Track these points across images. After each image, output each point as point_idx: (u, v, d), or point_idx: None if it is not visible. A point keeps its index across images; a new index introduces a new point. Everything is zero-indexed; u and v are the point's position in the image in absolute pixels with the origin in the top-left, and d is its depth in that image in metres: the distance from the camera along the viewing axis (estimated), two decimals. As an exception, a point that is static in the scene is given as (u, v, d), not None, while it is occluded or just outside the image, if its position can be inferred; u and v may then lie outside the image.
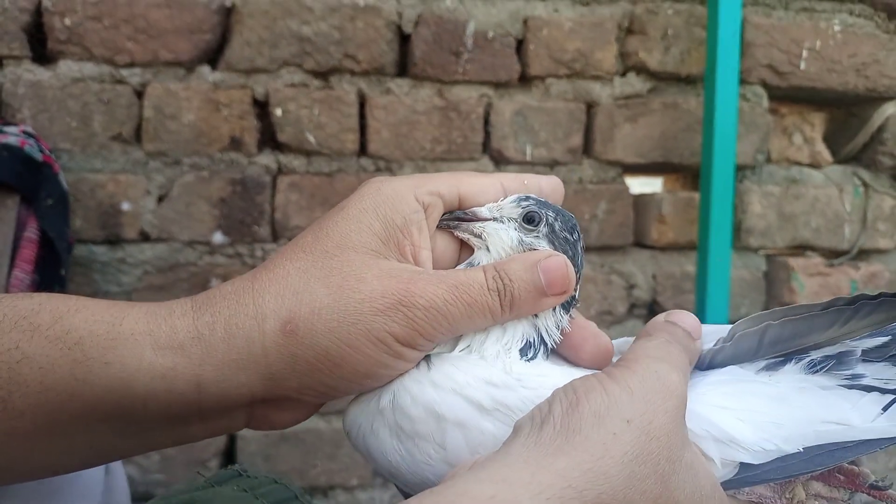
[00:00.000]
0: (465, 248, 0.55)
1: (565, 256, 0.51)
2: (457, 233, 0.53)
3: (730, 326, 0.53)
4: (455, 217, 0.53)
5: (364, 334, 0.46)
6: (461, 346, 0.51)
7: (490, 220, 0.53)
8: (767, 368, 0.51)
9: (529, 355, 0.51)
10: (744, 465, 0.46)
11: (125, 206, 1.35)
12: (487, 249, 0.53)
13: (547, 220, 0.52)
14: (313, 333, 0.46)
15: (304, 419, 0.52)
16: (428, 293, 0.47)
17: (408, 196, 0.50)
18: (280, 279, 0.48)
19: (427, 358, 0.50)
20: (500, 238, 0.52)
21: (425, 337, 0.47)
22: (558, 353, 0.54)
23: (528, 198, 0.53)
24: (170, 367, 0.45)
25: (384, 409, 0.48)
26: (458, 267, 0.54)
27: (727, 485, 0.46)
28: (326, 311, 0.46)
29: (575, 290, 0.52)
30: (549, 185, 0.56)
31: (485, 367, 0.49)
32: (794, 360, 0.51)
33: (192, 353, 0.46)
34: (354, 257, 0.48)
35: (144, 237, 1.37)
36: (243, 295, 0.47)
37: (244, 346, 0.46)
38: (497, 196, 0.54)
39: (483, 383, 0.48)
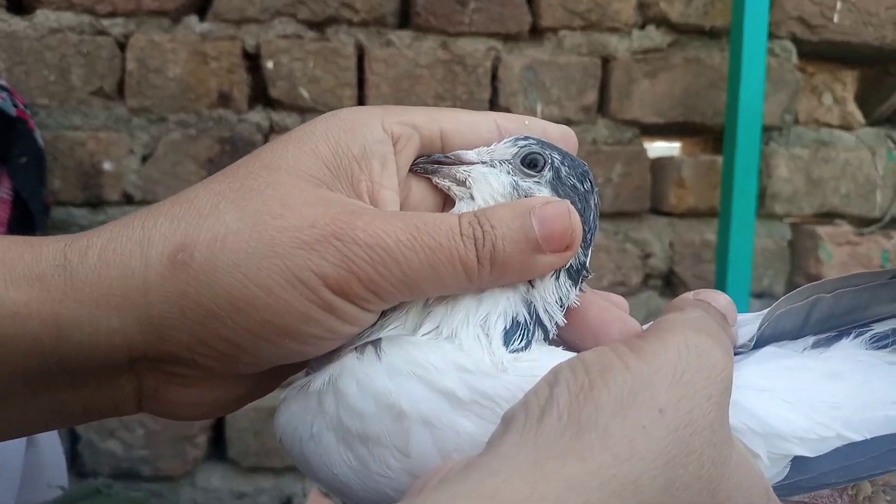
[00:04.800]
0: (449, 203, 0.44)
1: (569, 202, 0.39)
2: (435, 179, 0.43)
3: (755, 314, 0.43)
4: (434, 160, 0.42)
5: (280, 271, 0.34)
6: (427, 327, 0.39)
7: (478, 163, 0.42)
8: (817, 346, 0.41)
9: (518, 343, 0.39)
10: (798, 460, 0.37)
11: (107, 166, 1.26)
12: (472, 198, 0.41)
13: (552, 162, 0.41)
14: (212, 266, 0.35)
15: (214, 405, 0.40)
16: (374, 227, 0.35)
17: (372, 122, 0.40)
18: (183, 201, 0.37)
19: (377, 343, 0.38)
20: (488, 183, 0.41)
21: (367, 286, 0.35)
22: (570, 343, 0.42)
23: (526, 137, 0.42)
24: (22, 303, 0.35)
25: (324, 398, 0.37)
26: None
27: (780, 490, 0.36)
28: (234, 239, 0.35)
29: (585, 254, 0.41)
30: (557, 133, 0.44)
31: (457, 351, 0.37)
32: (852, 335, 0.41)
33: (54, 285, 0.35)
34: (285, 179, 0.37)
35: (127, 199, 1.28)
36: (134, 218, 0.37)
37: (119, 278, 0.35)
38: (490, 136, 0.43)
39: (455, 368, 0.36)
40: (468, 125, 0.42)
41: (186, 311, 0.35)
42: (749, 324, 0.42)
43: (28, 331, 0.35)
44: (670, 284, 1.43)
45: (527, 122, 0.44)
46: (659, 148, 1.52)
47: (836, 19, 1.40)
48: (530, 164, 0.41)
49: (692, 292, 0.41)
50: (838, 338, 0.41)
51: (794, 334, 0.42)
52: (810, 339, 0.41)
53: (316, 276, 0.35)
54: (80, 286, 0.35)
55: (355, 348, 0.38)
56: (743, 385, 0.37)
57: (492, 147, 0.42)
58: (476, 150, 0.42)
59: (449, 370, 0.36)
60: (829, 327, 0.41)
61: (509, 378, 0.36)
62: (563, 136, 0.44)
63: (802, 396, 0.38)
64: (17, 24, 1.25)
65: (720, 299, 0.40)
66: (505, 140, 0.42)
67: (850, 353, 0.41)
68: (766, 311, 0.42)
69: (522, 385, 0.35)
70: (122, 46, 1.27)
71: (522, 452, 0.29)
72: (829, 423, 0.37)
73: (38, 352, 0.35)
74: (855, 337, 0.41)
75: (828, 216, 1.46)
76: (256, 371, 0.39)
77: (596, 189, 0.43)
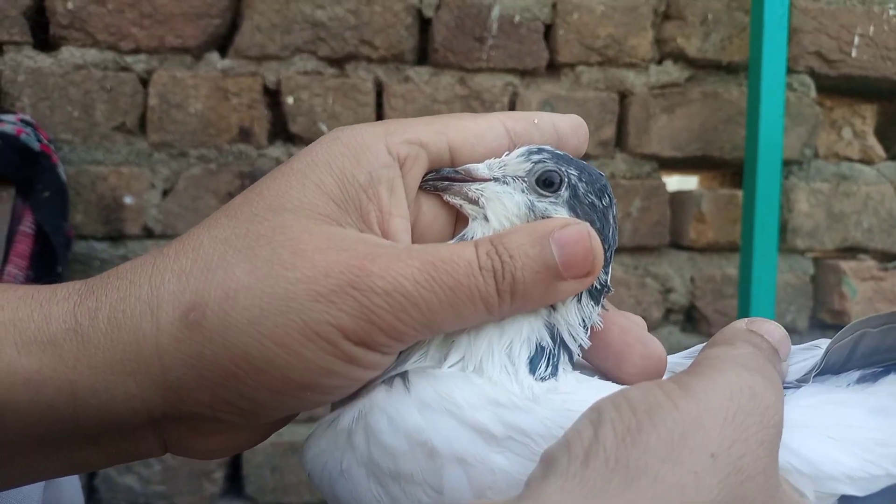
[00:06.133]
0: (461, 220, 0.42)
1: (588, 224, 0.38)
2: (446, 196, 0.41)
3: (803, 347, 0.41)
4: (443, 176, 0.40)
5: (298, 328, 0.33)
6: (452, 359, 0.37)
7: (490, 180, 0.40)
8: (862, 380, 0.39)
9: (544, 370, 0.38)
10: (845, 499, 0.35)
11: (128, 200, 1.27)
12: (486, 219, 0.40)
13: (568, 180, 0.39)
14: (226, 326, 0.33)
15: (240, 447, 0.39)
16: (392, 272, 0.34)
17: (376, 145, 0.38)
18: (189, 252, 0.35)
19: (403, 375, 0.37)
20: (502, 204, 0.39)
21: (388, 334, 0.34)
22: (590, 363, 0.41)
23: (540, 150, 0.40)
24: (35, 370, 0.33)
25: (354, 434, 0.36)
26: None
27: None
28: (246, 295, 0.33)
29: (605, 272, 0.40)
30: (568, 125, 0.42)
31: (487, 384, 0.36)
32: None
33: (66, 350, 0.33)
34: (292, 222, 0.35)
35: (148, 233, 1.29)
36: (140, 273, 0.35)
37: (131, 342, 0.34)
38: (500, 143, 0.40)
39: (487, 402, 0.35)
40: (476, 135, 0.40)
41: (204, 372, 0.34)
42: (796, 356, 0.40)
43: (43, 397, 0.34)
44: (692, 320, 1.41)
45: (536, 121, 0.41)
46: (674, 181, 1.51)
47: (854, 54, 1.40)
48: (546, 183, 0.39)
49: (744, 320, 0.39)
50: (885, 373, 0.40)
51: (836, 369, 0.40)
52: (855, 374, 0.40)
53: (335, 329, 0.34)
54: (93, 351, 0.34)
55: (383, 381, 0.38)
56: (787, 423, 0.35)
57: (503, 159, 0.40)
58: (487, 162, 0.40)
59: (481, 405, 0.35)
60: (874, 362, 0.40)
61: (544, 413, 0.35)
62: (574, 128, 0.42)
63: (849, 433, 0.36)
64: (43, 60, 1.27)
65: (775, 333, 0.38)
66: (517, 152, 0.40)
67: None
68: (821, 342, 0.41)
69: (558, 420, 0.34)
70: (144, 82, 1.29)
71: (568, 498, 0.28)
72: (877, 462, 0.36)
73: (55, 417, 0.34)
74: None
75: (850, 251, 1.44)
76: (279, 419, 0.39)
77: (614, 201, 0.41)
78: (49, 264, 1.17)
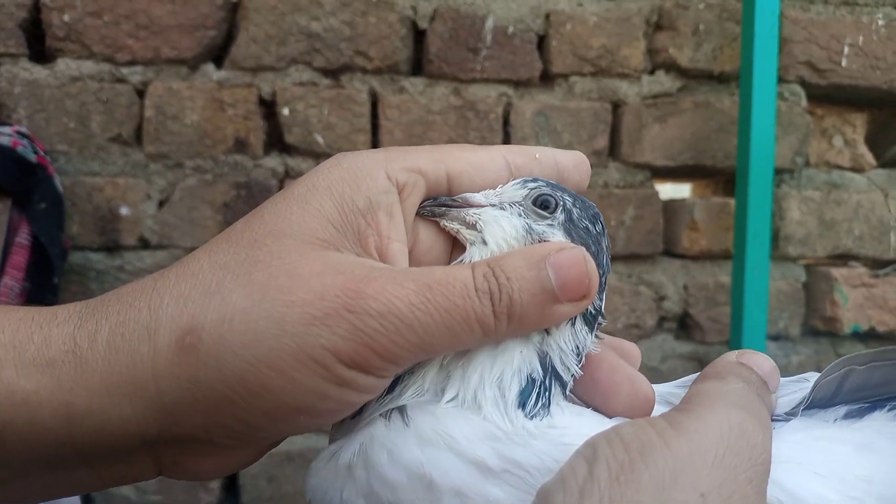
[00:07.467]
0: (458, 249, 0.42)
1: (584, 249, 0.38)
2: (443, 223, 0.41)
3: (793, 380, 0.42)
4: (440, 203, 0.40)
5: (292, 352, 0.33)
6: (449, 394, 0.38)
7: (487, 206, 0.40)
8: (849, 416, 0.40)
9: (535, 405, 0.38)
10: None
11: (124, 211, 1.28)
12: (484, 242, 0.40)
13: (563, 204, 0.40)
14: (221, 350, 0.33)
15: (234, 467, 0.39)
16: (386, 295, 0.33)
17: (376, 171, 0.38)
18: (189, 276, 0.35)
19: (401, 410, 0.37)
20: (501, 227, 0.40)
21: (383, 357, 0.34)
22: (578, 399, 0.41)
23: (535, 179, 0.41)
24: (33, 391, 0.33)
25: (354, 468, 0.37)
26: None
27: None
28: (241, 319, 0.33)
29: (600, 298, 0.40)
30: (570, 161, 0.42)
31: (482, 420, 0.36)
32: (886, 407, 0.40)
33: (64, 372, 0.34)
34: (291, 247, 0.35)
35: (144, 244, 1.29)
36: (140, 296, 0.35)
37: (128, 366, 0.34)
38: (499, 175, 0.41)
39: (485, 437, 0.36)
40: (475, 166, 0.40)
41: (199, 396, 0.34)
42: (784, 388, 0.41)
43: (40, 418, 0.34)
44: (685, 327, 1.42)
45: (537, 156, 0.42)
46: (667, 189, 1.53)
47: (843, 63, 1.41)
48: (543, 205, 0.40)
49: (735, 353, 0.40)
50: (871, 409, 0.40)
51: (824, 403, 0.41)
52: (842, 409, 0.40)
53: (329, 353, 0.33)
54: (91, 374, 0.34)
55: (381, 415, 0.38)
56: (776, 458, 0.35)
57: (499, 189, 0.41)
58: (483, 192, 0.41)
59: (478, 439, 0.36)
60: (860, 398, 0.41)
61: (540, 446, 0.36)
62: (576, 163, 0.43)
63: (835, 469, 0.37)
64: (39, 72, 1.27)
65: (765, 365, 0.39)
66: (513, 181, 0.41)
67: (882, 426, 0.40)
68: (810, 376, 0.41)
69: (553, 453, 0.35)
70: (140, 94, 1.29)
71: None
72: (862, 498, 0.36)
73: (51, 438, 0.34)
74: (889, 409, 0.40)
75: (841, 258, 1.46)
76: (273, 441, 0.39)
77: (605, 229, 0.42)
78: (45, 275, 1.17)
